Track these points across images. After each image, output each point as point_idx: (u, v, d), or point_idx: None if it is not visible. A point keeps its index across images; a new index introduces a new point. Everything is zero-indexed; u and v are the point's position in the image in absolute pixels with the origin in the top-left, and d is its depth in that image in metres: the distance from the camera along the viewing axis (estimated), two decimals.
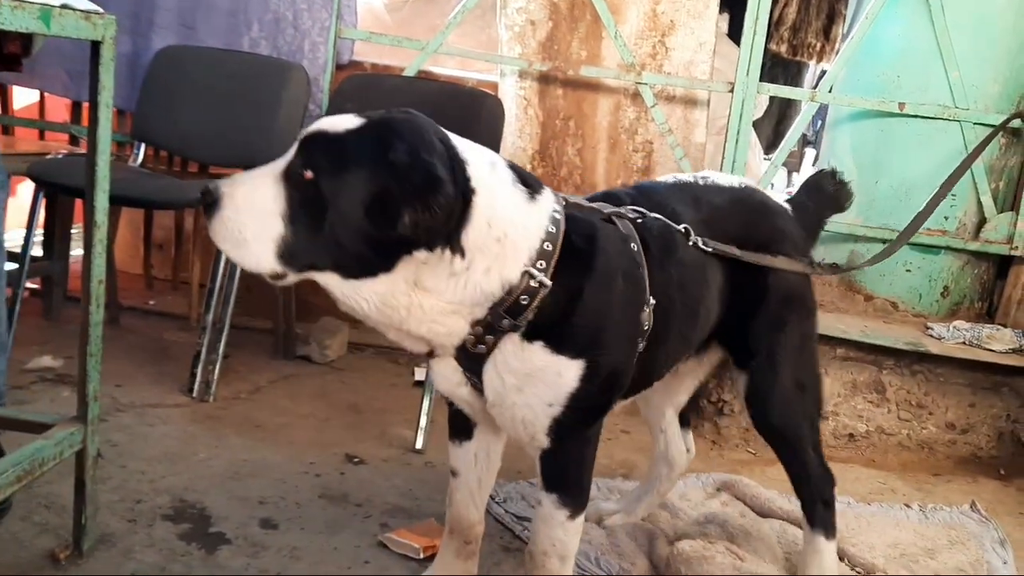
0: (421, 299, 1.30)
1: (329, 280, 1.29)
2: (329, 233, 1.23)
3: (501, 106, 2.92)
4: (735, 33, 3.75)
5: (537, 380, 1.38)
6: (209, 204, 1.27)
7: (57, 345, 2.78)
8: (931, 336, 2.83)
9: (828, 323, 2.84)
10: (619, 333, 1.44)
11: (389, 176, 1.21)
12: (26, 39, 1.98)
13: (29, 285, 3.07)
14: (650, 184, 1.80)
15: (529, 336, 1.36)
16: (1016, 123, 2.95)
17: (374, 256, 1.26)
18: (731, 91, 3.09)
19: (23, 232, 2.79)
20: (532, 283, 1.32)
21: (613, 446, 2.65)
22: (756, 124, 4.69)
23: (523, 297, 1.32)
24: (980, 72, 2.93)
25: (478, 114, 2.96)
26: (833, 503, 1.86)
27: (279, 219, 1.24)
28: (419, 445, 2.42)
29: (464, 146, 1.33)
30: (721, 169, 3.13)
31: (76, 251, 3.58)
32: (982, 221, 3.02)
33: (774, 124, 6.28)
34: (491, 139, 2.94)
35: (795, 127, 3.24)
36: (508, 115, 3.19)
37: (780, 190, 5.83)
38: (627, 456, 2.56)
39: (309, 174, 1.23)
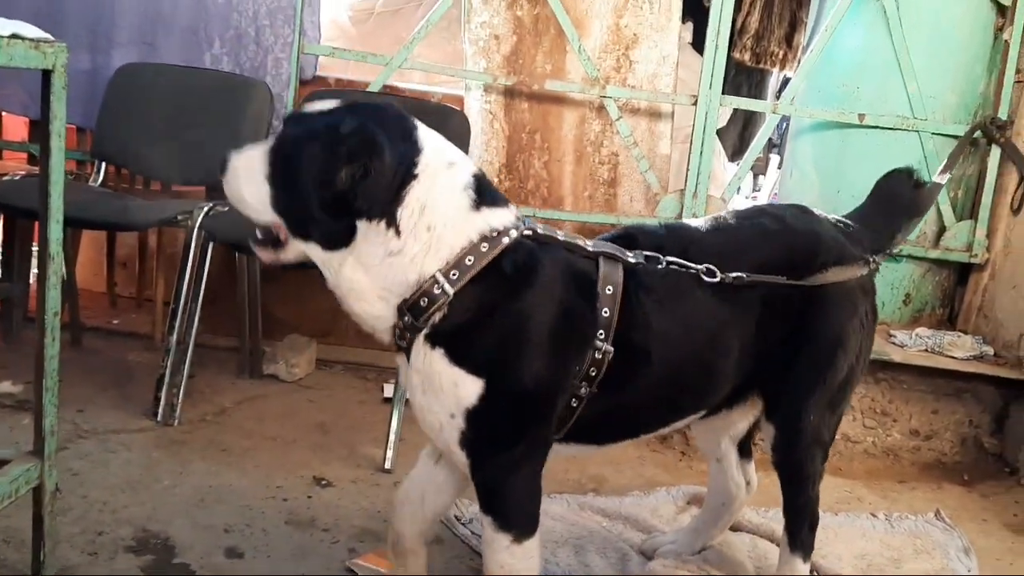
0: (360, 276, 1.41)
1: (314, 252, 1.43)
2: (298, 192, 1.39)
3: (467, 122, 2.92)
4: (699, 43, 3.78)
5: (436, 387, 1.42)
6: (221, 166, 1.49)
7: (17, 370, 2.73)
8: (894, 344, 2.87)
9: None
10: (533, 364, 1.42)
11: (337, 142, 1.35)
12: None
13: None
14: (682, 224, 1.74)
15: (432, 341, 1.41)
16: (976, 134, 3.01)
17: (332, 223, 1.38)
18: (695, 104, 3.11)
19: None
20: (436, 289, 1.38)
21: (584, 460, 2.65)
22: (721, 131, 4.73)
23: (423, 299, 1.38)
24: (938, 83, 2.98)
25: (443, 129, 2.92)
26: (816, 526, 1.84)
27: (265, 181, 1.42)
28: (388, 465, 2.41)
29: (431, 140, 1.44)
30: (685, 178, 3.15)
31: (36, 269, 3.52)
32: (942, 229, 3.07)
33: (739, 131, 6.33)
34: None
35: (759, 137, 3.27)
36: (474, 129, 3.19)
37: (745, 196, 5.89)
38: (597, 471, 2.56)
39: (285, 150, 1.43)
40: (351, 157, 1.34)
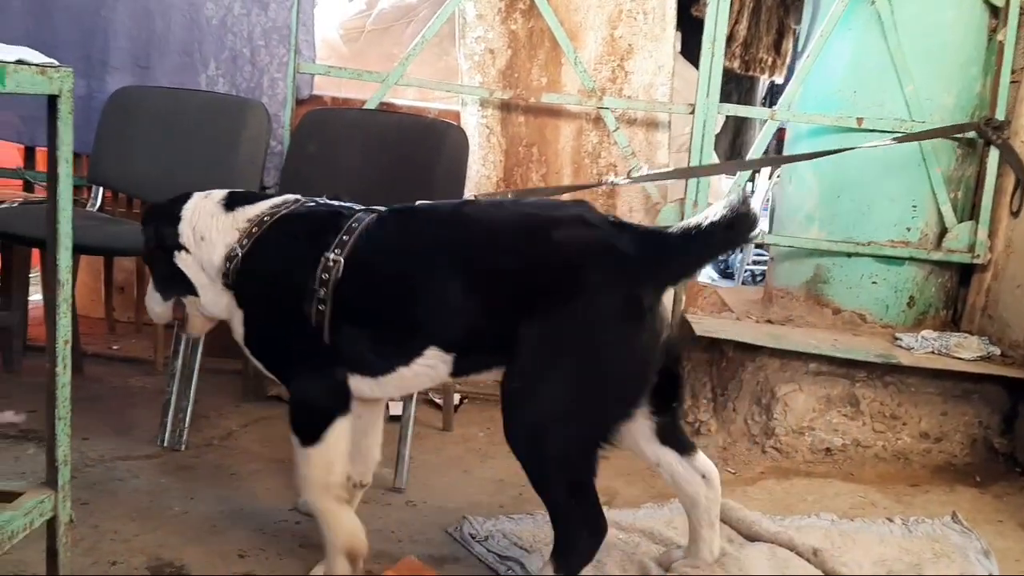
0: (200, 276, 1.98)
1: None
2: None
3: (465, 137, 2.91)
4: (687, 52, 3.80)
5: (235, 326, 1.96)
6: None
7: (18, 399, 2.69)
8: (900, 347, 2.87)
9: (799, 338, 2.87)
10: (267, 299, 1.89)
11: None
12: None
13: None
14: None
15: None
16: (971, 134, 3.02)
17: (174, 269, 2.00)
18: (692, 112, 3.11)
19: None
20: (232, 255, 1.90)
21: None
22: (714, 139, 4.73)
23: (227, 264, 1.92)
24: (934, 85, 3.00)
25: (441, 145, 2.95)
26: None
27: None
28: (399, 484, 2.38)
29: (191, 203, 2.02)
30: (686, 187, 3.15)
31: (34, 296, 3.49)
32: (943, 231, 3.07)
33: (731, 138, 6.38)
34: (456, 168, 2.93)
35: (756, 145, 3.27)
36: (471, 143, 3.19)
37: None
38: (608, 483, 2.54)
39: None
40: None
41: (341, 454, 1.82)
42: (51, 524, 1.55)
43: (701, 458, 1.97)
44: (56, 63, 1.49)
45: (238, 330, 1.94)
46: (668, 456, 1.93)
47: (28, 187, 3.39)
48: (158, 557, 1.90)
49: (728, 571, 1.97)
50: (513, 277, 1.72)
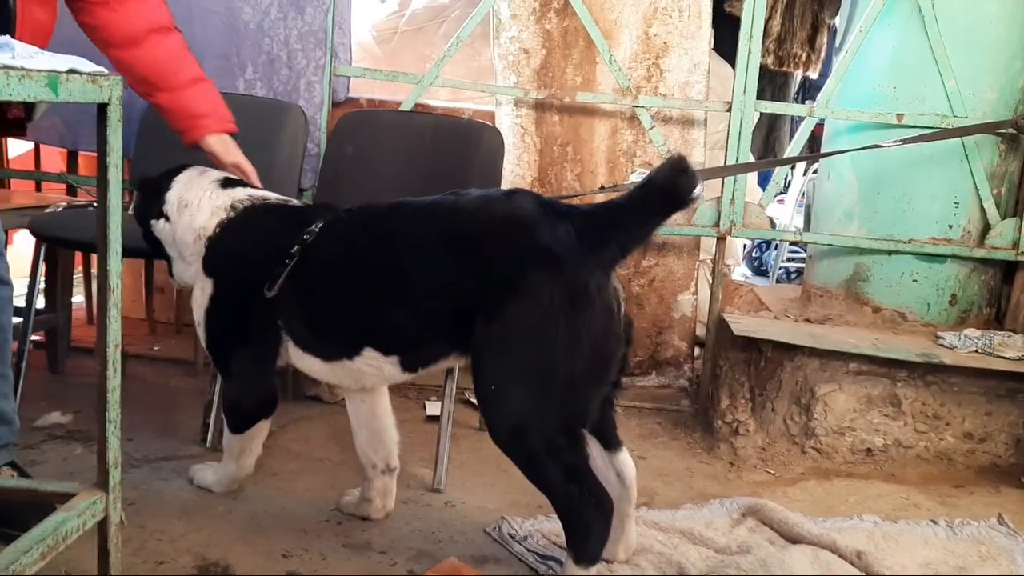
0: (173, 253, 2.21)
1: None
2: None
3: (500, 137, 2.91)
4: (719, 48, 3.77)
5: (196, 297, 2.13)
6: None
7: (64, 399, 2.74)
8: (943, 346, 2.83)
9: (839, 337, 2.84)
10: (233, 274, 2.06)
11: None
12: (29, 104, 1.96)
13: (33, 338, 3.04)
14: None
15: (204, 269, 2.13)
16: (1010, 130, 2.96)
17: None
18: (729, 110, 3.09)
19: (25, 283, 2.76)
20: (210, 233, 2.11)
21: None
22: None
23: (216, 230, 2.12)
24: (976, 80, 2.95)
25: (477, 145, 2.96)
26: None
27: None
28: (439, 485, 2.39)
29: (184, 175, 2.22)
30: (722, 185, 3.13)
31: (77, 298, 3.55)
32: (986, 228, 3.02)
33: (764, 135, 6.31)
34: (491, 168, 2.94)
35: (795, 141, 3.24)
36: (506, 143, 3.19)
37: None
38: (646, 484, 2.54)
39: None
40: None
41: (256, 440, 2.19)
42: (102, 525, 1.58)
43: (623, 457, 1.99)
44: (105, 71, 1.51)
45: (199, 300, 2.10)
46: (592, 448, 1.90)
47: (71, 191, 3.45)
48: (204, 557, 1.93)
49: (771, 571, 1.96)
50: (445, 290, 1.78)
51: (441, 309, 1.80)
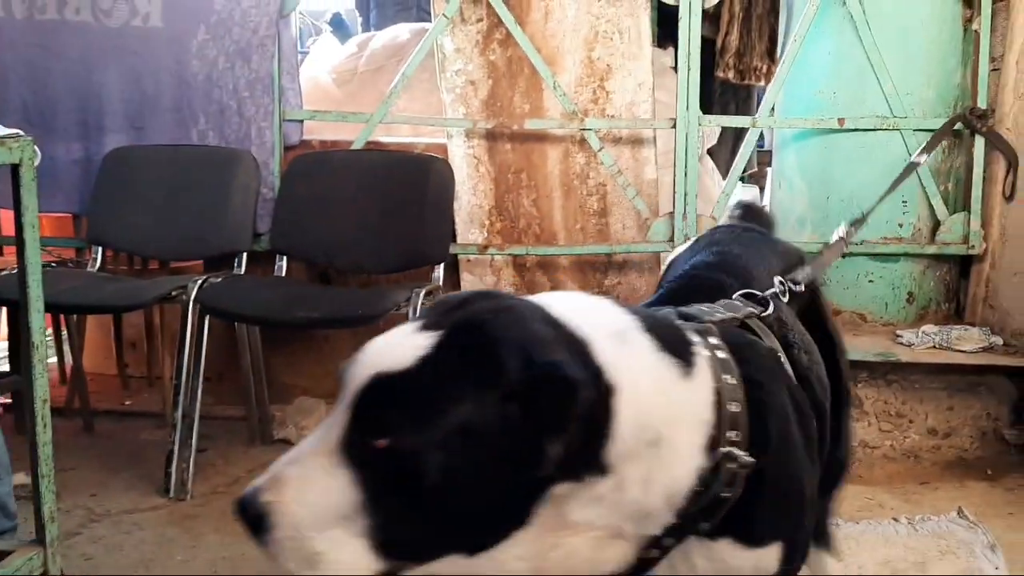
0: (572, 542, 0.93)
1: (453, 567, 0.91)
2: (434, 505, 0.88)
3: (449, 168, 2.96)
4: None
5: None
6: (254, 523, 0.92)
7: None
8: (900, 344, 2.84)
9: None
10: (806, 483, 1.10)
11: (505, 403, 0.86)
12: None
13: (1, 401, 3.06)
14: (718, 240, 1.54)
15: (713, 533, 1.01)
16: (957, 126, 3.00)
17: (501, 515, 0.90)
18: (674, 126, 3.13)
19: None
20: (730, 466, 0.96)
21: None
22: (713, 151, 4.75)
23: (725, 491, 0.97)
24: (913, 80, 2.99)
25: (426, 178, 3.01)
26: None
27: (357, 513, 0.88)
28: None
29: (580, 317, 0.94)
30: (673, 201, 3.16)
31: (51, 359, 3.57)
32: (936, 224, 3.05)
33: (730, 148, 6.35)
34: (443, 200, 2.99)
35: (741, 154, 3.28)
36: (460, 174, 3.23)
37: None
38: None
39: (382, 442, 0.87)
40: (551, 421, 0.86)
41: None
42: None
43: None
44: (20, 133, 1.55)
45: None
46: None
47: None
48: None
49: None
50: None
51: None
